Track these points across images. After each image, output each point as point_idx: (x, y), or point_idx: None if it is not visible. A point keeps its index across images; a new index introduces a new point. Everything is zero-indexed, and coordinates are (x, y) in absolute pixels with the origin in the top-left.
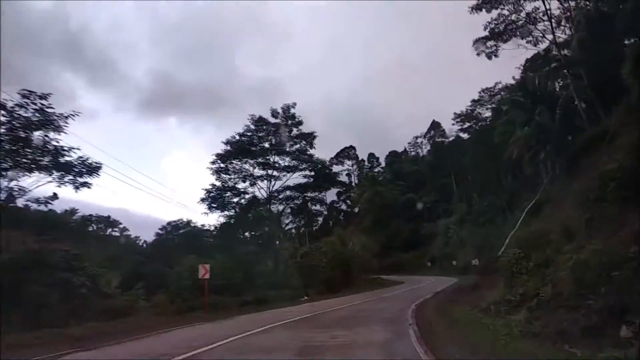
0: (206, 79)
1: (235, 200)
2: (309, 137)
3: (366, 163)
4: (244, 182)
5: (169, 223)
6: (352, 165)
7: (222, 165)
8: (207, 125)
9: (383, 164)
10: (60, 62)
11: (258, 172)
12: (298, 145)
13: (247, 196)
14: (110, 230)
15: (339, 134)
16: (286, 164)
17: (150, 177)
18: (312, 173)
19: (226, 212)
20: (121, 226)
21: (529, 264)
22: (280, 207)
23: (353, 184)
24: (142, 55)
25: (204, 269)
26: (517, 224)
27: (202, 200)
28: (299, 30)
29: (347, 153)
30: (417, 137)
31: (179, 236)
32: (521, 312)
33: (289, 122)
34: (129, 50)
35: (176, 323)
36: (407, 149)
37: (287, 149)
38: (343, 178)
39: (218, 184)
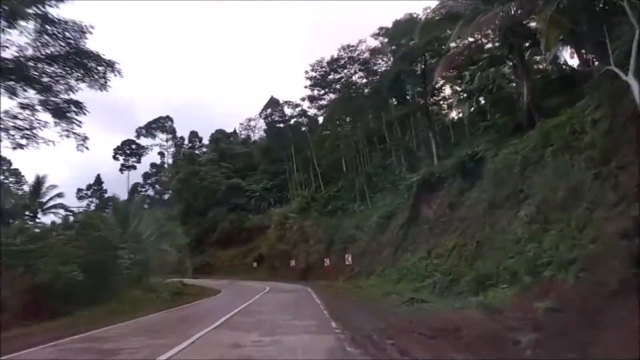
0: None
1: None
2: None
3: (186, 143)
4: None
5: None
6: (167, 141)
7: None
8: None
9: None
10: None
11: None
12: None
13: None
14: None
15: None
16: None
17: None
18: None
19: None
20: None
21: None
22: None
23: (166, 164)
24: None
25: None
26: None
27: None
28: None
29: (161, 124)
30: (250, 119)
31: None
32: None
33: None
34: None
35: None
36: (238, 131)
37: None
38: (154, 157)
39: None
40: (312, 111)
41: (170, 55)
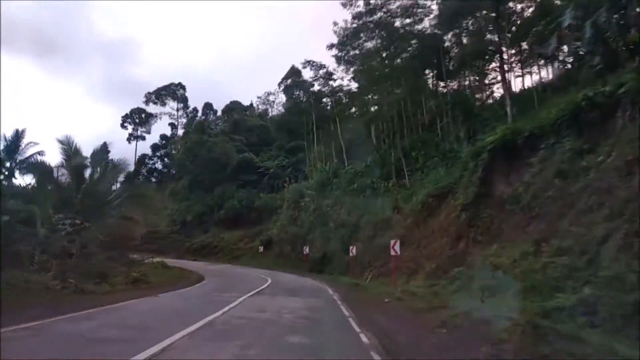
0: None
1: None
2: None
3: (200, 115)
4: None
5: None
6: (177, 110)
7: None
8: None
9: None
10: None
11: None
12: None
13: None
14: None
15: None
16: None
17: None
18: None
19: None
20: None
21: None
22: None
23: (176, 137)
24: None
25: None
26: None
27: None
28: None
29: (172, 91)
30: (269, 94)
31: None
32: None
33: None
34: None
35: None
36: (255, 105)
37: None
38: (164, 128)
39: None
40: (337, 74)
41: (188, 25)
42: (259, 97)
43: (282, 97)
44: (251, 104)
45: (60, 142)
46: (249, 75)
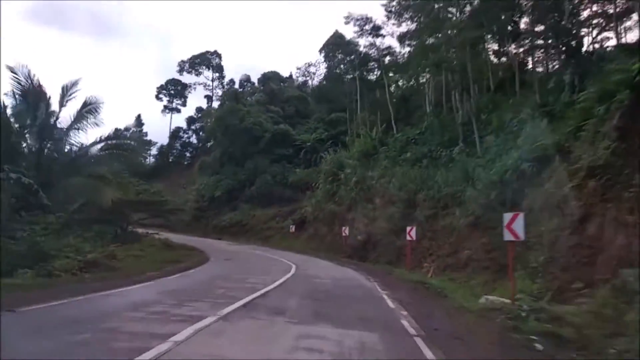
0: None
1: None
2: None
3: (237, 87)
4: None
5: None
6: (212, 81)
7: None
8: None
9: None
10: None
11: None
12: None
13: None
14: None
15: None
16: None
17: None
18: None
19: None
20: None
21: None
22: None
23: (212, 110)
24: None
25: None
26: None
27: None
28: None
29: (207, 59)
30: (309, 65)
31: None
32: None
33: None
34: None
35: None
36: (295, 77)
37: None
38: (198, 98)
39: None
40: (387, 29)
41: None
42: (298, 69)
43: (323, 69)
44: (290, 75)
45: (11, 70)
46: (290, 46)
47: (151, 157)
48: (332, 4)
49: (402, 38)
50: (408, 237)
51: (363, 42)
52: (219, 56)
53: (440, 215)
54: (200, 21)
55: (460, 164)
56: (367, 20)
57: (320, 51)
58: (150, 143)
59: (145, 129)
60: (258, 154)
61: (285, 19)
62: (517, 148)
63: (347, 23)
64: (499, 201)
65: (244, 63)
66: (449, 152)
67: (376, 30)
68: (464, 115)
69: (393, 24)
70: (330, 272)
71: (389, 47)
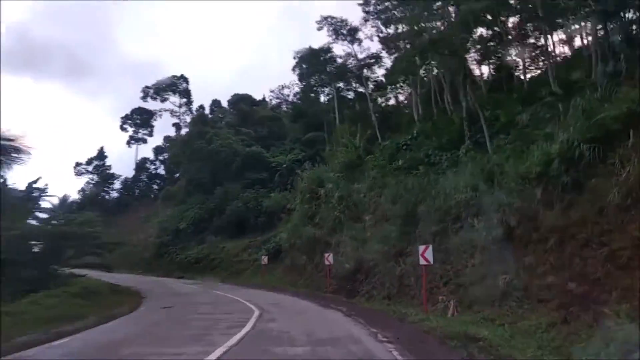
0: None
1: None
2: None
3: (207, 113)
4: None
5: None
6: (180, 107)
7: None
8: None
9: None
10: None
11: None
12: None
13: None
14: None
15: None
16: None
17: None
18: None
19: None
20: None
21: None
22: None
23: (180, 137)
24: None
25: None
26: None
27: None
28: None
29: (173, 84)
30: (282, 87)
31: None
32: None
33: None
34: None
35: None
36: (269, 99)
37: None
38: (166, 127)
39: None
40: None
41: (194, 19)
42: (272, 91)
43: (297, 89)
44: (263, 98)
45: None
46: (263, 71)
47: (114, 192)
48: (305, 28)
49: (385, 40)
50: (422, 261)
51: (339, 49)
52: (186, 80)
53: (451, 230)
54: (168, 47)
55: (472, 164)
56: (343, 23)
57: (293, 69)
58: (113, 177)
59: (109, 161)
60: (228, 179)
61: (257, 43)
62: (563, 130)
63: (320, 29)
64: (544, 202)
65: (214, 90)
66: (451, 154)
67: (353, 34)
68: (467, 110)
69: (372, 26)
70: (310, 322)
71: (370, 53)
